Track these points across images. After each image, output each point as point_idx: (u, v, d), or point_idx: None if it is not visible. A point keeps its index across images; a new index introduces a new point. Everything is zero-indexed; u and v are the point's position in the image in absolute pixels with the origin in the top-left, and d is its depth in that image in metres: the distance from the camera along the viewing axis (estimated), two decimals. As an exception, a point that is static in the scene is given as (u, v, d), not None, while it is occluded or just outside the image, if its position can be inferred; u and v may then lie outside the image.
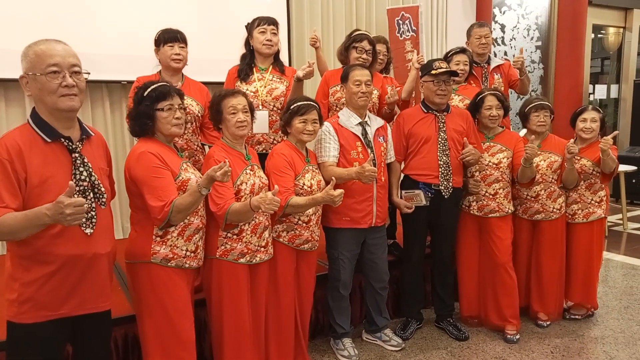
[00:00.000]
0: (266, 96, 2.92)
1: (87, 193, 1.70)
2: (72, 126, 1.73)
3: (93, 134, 1.82)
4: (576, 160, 3.11)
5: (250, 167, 2.37)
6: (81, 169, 1.70)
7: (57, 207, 1.46)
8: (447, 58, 3.41)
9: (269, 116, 2.91)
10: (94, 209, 1.72)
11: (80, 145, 1.72)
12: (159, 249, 2.05)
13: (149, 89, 2.08)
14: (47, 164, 1.64)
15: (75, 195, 1.55)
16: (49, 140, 1.66)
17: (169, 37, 2.68)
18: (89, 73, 1.71)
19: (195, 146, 2.78)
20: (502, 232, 3.05)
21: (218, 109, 2.34)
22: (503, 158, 3.04)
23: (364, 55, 3.08)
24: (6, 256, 1.70)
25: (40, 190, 1.61)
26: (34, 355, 1.67)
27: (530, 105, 3.15)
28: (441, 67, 2.90)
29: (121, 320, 2.40)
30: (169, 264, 2.06)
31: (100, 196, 1.75)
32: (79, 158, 1.70)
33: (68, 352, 2.09)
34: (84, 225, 1.68)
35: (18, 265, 1.65)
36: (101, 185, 1.76)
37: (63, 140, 1.68)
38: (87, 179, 1.71)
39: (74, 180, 1.66)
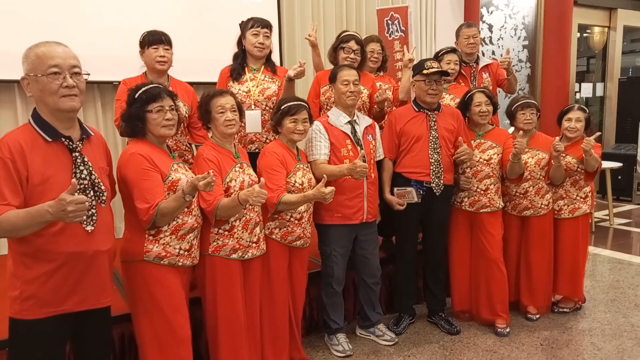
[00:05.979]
0: (258, 96, 2.95)
1: (88, 191, 1.73)
2: (73, 126, 1.75)
3: (93, 134, 1.85)
4: (562, 158, 3.18)
5: (239, 165, 2.41)
6: (81, 167, 1.72)
7: (59, 204, 1.49)
8: (437, 57, 3.45)
9: (262, 115, 2.93)
10: (94, 207, 1.74)
11: (80, 145, 1.75)
12: (151, 247, 2.07)
13: (140, 91, 2.10)
14: (48, 163, 1.66)
15: (77, 194, 1.57)
16: (49, 139, 1.68)
17: (153, 40, 2.68)
18: (88, 74, 1.74)
19: (184, 146, 2.81)
20: (493, 228, 3.11)
21: (207, 108, 2.38)
22: (493, 154, 3.10)
23: (352, 55, 3.14)
24: (8, 254, 1.72)
25: (41, 189, 1.64)
26: (37, 351, 1.69)
27: (517, 104, 3.22)
28: (433, 67, 2.95)
29: (118, 319, 2.40)
30: (161, 262, 2.08)
31: (101, 194, 1.78)
32: (79, 157, 1.73)
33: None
34: (85, 222, 1.71)
35: (20, 263, 1.67)
36: (101, 183, 1.78)
37: (64, 139, 1.71)
38: (88, 178, 1.73)
39: (75, 179, 1.69)
